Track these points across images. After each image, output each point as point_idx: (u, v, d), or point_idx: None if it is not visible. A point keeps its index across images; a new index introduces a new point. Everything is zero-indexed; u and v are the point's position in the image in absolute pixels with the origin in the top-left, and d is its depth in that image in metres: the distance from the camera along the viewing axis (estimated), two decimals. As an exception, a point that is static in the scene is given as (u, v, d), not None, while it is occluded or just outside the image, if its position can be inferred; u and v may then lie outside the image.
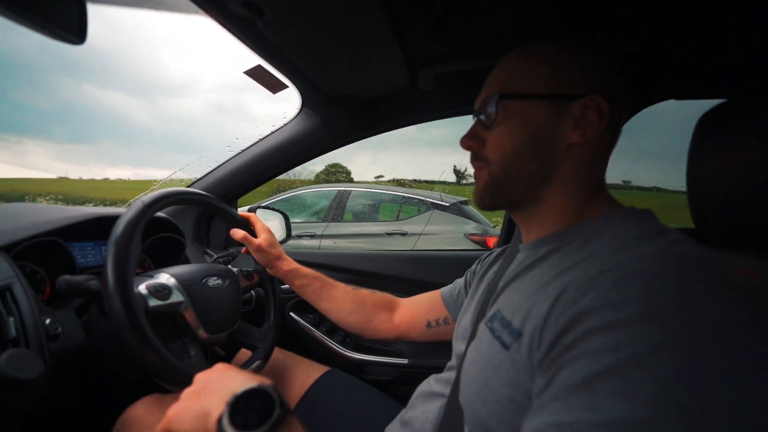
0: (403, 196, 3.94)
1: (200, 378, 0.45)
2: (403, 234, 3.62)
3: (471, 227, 3.50)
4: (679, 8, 0.66)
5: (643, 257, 0.36)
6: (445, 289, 0.83)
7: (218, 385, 0.42)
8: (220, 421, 0.36)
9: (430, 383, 0.67)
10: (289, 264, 0.88)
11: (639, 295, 0.32)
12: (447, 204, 3.66)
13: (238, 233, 0.84)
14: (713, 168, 0.53)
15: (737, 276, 0.34)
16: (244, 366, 0.78)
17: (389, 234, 3.67)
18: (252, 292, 1.05)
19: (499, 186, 0.52)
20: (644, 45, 0.76)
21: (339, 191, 4.08)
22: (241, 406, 0.37)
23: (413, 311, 0.85)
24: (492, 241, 3.29)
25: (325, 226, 3.87)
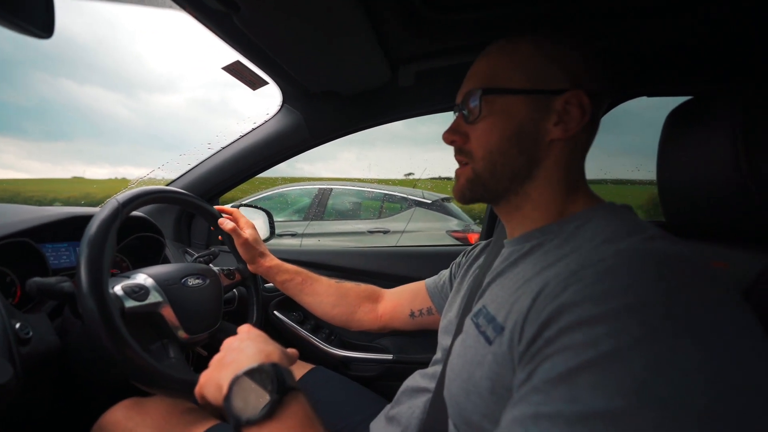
0: (385, 194, 3.88)
1: (225, 345, 0.48)
2: (385, 232, 3.60)
3: (453, 224, 3.50)
4: (648, 7, 0.68)
5: (622, 252, 0.36)
6: (429, 280, 0.84)
7: (232, 357, 0.44)
8: (226, 398, 0.39)
9: (416, 378, 0.68)
10: (272, 260, 0.87)
11: (619, 290, 0.32)
12: (429, 201, 3.65)
13: (227, 224, 0.84)
14: (682, 162, 0.55)
15: (712, 268, 0.35)
16: None
17: (371, 232, 3.65)
18: (234, 291, 1.04)
19: (482, 182, 0.52)
20: (615, 43, 0.79)
21: (320, 189, 4.02)
22: (241, 387, 0.39)
23: (396, 301, 0.86)
24: (473, 238, 3.31)
25: (306, 225, 3.82)
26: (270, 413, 0.36)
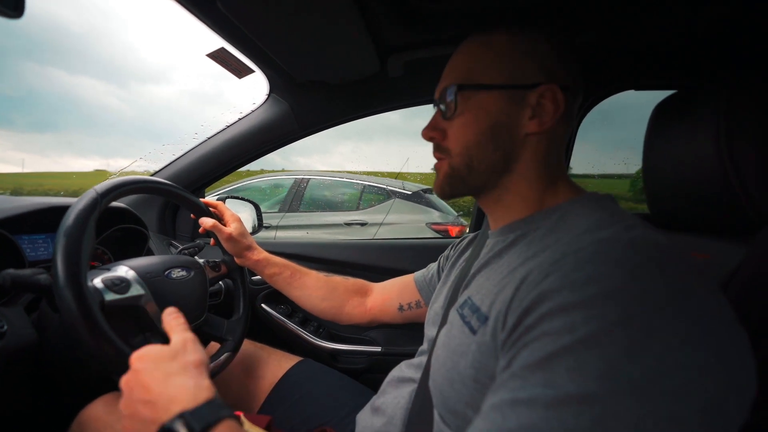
0: (365, 185, 3.75)
1: (127, 390, 0.43)
2: (363, 224, 3.48)
3: (434, 216, 3.43)
4: (635, 1, 0.68)
5: (602, 241, 0.37)
6: (418, 274, 0.84)
7: (144, 417, 0.40)
8: None
9: (402, 369, 0.68)
10: (260, 253, 0.86)
11: (596, 277, 0.33)
12: (409, 192, 3.56)
13: (207, 222, 0.82)
14: (667, 155, 0.56)
15: (692, 258, 0.36)
16: (213, 358, 0.76)
17: (348, 224, 3.52)
18: (221, 283, 1.03)
19: (460, 177, 0.52)
20: (602, 36, 0.79)
21: (296, 179, 3.86)
22: None
23: (385, 295, 0.86)
24: (454, 230, 3.27)
25: (281, 217, 3.66)
26: None
